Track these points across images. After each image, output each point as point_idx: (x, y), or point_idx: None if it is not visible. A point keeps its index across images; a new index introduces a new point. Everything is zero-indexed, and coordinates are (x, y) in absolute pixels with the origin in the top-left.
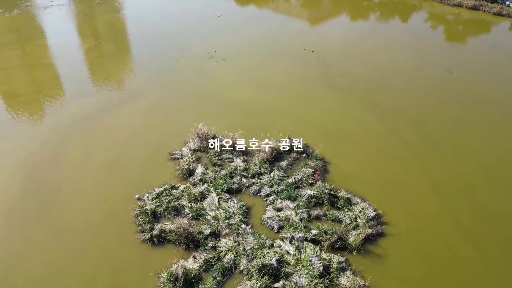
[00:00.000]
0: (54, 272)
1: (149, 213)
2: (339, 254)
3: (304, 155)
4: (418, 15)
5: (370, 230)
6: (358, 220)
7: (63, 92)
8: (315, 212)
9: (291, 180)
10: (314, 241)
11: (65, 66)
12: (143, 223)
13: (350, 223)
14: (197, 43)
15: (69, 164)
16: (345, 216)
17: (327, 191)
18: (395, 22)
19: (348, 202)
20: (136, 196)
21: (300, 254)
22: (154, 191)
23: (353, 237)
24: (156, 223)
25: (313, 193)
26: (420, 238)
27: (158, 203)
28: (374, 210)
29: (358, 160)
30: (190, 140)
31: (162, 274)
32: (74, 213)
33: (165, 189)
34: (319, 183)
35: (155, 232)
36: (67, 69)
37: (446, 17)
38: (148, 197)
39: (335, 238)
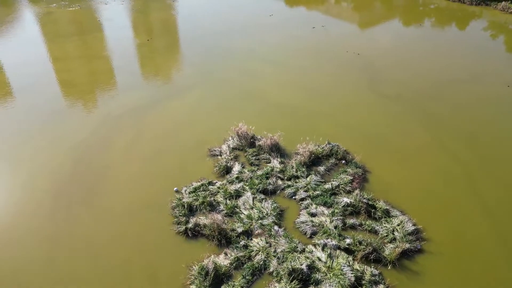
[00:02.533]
0: (93, 251)
1: (186, 207)
2: (372, 267)
3: (343, 161)
4: (477, 23)
5: (408, 245)
6: (396, 233)
7: (115, 84)
8: (350, 220)
9: (328, 186)
10: (348, 251)
11: (119, 59)
12: (179, 215)
13: (386, 236)
14: (245, 42)
15: (116, 152)
16: (382, 227)
17: (364, 200)
18: (451, 29)
19: (386, 213)
20: (175, 188)
21: (332, 262)
22: (192, 185)
23: (389, 250)
24: (191, 217)
25: (350, 201)
26: (462, 259)
27: (194, 197)
28: (414, 225)
29: (401, 171)
30: (230, 138)
31: (193, 267)
32: (116, 199)
33: (202, 184)
34: (357, 191)
35: (190, 225)
36: (121, 62)
37: (508, 27)
38: (186, 191)
39: (369, 249)
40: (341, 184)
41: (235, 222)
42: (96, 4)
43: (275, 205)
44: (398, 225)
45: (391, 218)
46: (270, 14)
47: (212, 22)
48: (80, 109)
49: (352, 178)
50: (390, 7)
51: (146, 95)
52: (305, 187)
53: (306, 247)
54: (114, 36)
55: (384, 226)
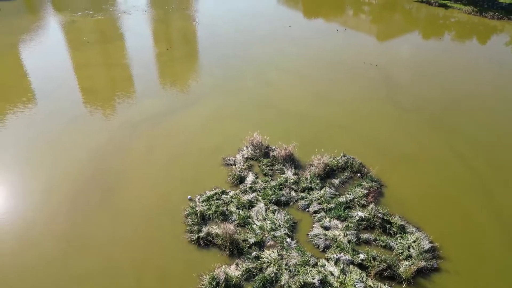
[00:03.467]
0: (107, 254)
1: (199, 215)
2: (387, 284)
3: (358, 174)
4: (499, 37)
5: (423, 263)
6: (411, 250)
7: (134, 91)
8: (365, 235)
9: (342, 199)
10: (361, 266)
11: (139, 67)
12: (192, 224)
13: (402, 253)
14: (263, 53)
15: (133, 158)
16: (397, 244)
17: (380, 215)
18: (472, 43)
19: (402, 229)
20: (188, 196)
21: (345, 278)
22: (206, 193)
23: (404, 267)
24: (204, 226)
25: (365, 216)
26: (480, 280)
27: (208, 206)
28: (430, 242)
29: (418, 186)
30: (244, 148)
31: (204, 276)
32: (132, 204)
33: (215, 193)
34: (372, 205)
35: (202, 234)
36: (140, 70)
37: None
38: (199, 199)
39: (384, 265)
40: (356, 198)
41: (248, 232)
42: (119, 14)
43: (288, 216)
44: (414, 241)
45: (406, 234)
46: (289, 25)
47: (231, 32)
48: (99, 116)
49: (367, 192)
50: (410, 19)
51: (164, 103)
52: (319, 199)
53: (319, 261)
54: (135, 45)
55: (400, 242)
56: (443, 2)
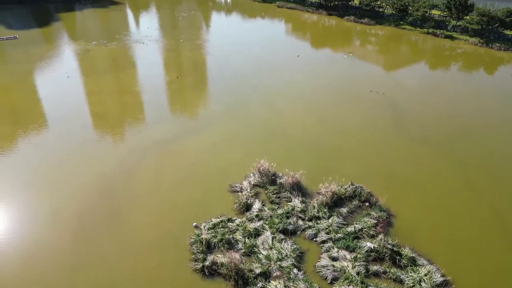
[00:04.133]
0: (111, 282)
1: (204, 243)
2: None
3: (367, 204)
4: (506, 68)
5: None
6: (423, 284)
7: (144, 118)
8: (374, 267)
9: (350, 229)
10: None
11: (149, 94)
12: (197, 252)
13: (413, 286)
14: (271, 81)
15: (140, 182)
16: (407, 277)
17: (389, 246)
18: (479, 73)
19: (413, 261)
20: (194, 224)
21: None
22: (211, 221)
23: None
24: (209, 254)
25: (374, 247)
26: None
27: (213, 234)
28: (442, 276)
29: (428, 216)
30: (251, 175)
31: None
32: (137, 227)
33: (221, 221)
34: (381, 236)
35: (207, 263)
36: (150, 97)
37: None
38: (204, 226)
39: None
40: (365, 228)
41: (253, 262)
42: (132, 43)
43: (295, 246)
44: (425, 275)
45: (417, 267)
46: (297, 55)
47: (240, 61)
48: (108, 141)
49: (376, 221)
50: (416, 50)
51: (172, 129)
52: (326, 229)
53: None
54: (146, 73)
55: (410, 276)
56: (449, 33)
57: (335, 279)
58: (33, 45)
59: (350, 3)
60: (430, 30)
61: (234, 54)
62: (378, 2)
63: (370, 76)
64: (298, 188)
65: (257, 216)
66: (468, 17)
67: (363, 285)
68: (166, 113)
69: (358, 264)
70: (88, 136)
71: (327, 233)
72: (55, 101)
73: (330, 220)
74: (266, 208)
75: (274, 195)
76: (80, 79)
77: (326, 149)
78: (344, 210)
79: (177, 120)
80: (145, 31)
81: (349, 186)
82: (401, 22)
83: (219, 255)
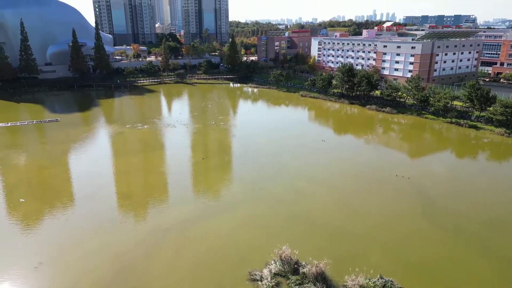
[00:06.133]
0: None
1: None
2: None
3: None
4: None
5: None
6: None
7: (167, 198)
8: None
9: None
10: None
11: (175, 175)
12: None
13: None
14: (294, 164)
15: (158, 264)
16: None
17: None
18: (509, 163)
19: None
20: None
21: None
22: None
23: None
24: None
25: None
26: None
27: None
28: None
29: None
30: (272, 262)
31: None
32: None
33: None
34: None
35: None
36: (175, 178)
37: None
38: None
39: None
40: None
41: None
42: (164, 126)
43: None
44: None
45: None
46: (322, 139)
47: (265, 144)
48: (130, 221)
49: None
50: (440, 139)
51: (194, 210)
52: None
53: None
54: (173, 154)
55: None
56: (474, 123)
57: None
58: (72, 127)
59: (371, 93)
60: (454, 120)
61: (259, 138)
62: (399, 93)
63: (394, 162)
64: (322, 280)
65: None
66: (491, 108)
67: None
68: (189, 194)
69: None
70: (111, 216)
71: None
72: (84, 180)
73: None
74: None
75: (297, 286)
76: (110, 159)
77: (351, 236)
78: None
79: (199, 201)
80: (176, 116)
81: (378, 279)
82: (423, 112)
83: None
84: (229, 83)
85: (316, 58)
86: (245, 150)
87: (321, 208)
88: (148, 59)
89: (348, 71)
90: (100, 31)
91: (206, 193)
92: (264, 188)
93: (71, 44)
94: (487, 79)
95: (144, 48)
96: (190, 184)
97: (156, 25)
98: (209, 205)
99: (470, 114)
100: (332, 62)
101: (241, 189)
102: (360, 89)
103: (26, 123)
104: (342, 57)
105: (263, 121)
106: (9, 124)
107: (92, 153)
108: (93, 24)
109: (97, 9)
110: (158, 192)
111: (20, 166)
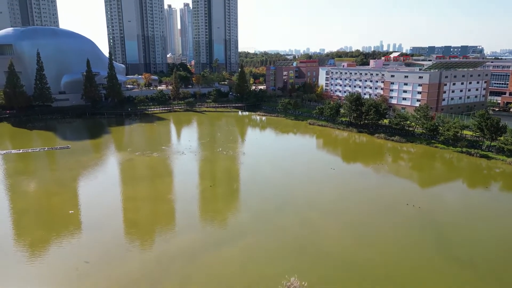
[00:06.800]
0: None
1: None
2: None
3: None
4: None
5: None
6: None
7: (174, 226)
8: None
9: None
10: None
11: (182, 202)
12: None
13: None
14: (302, 193)
15: None
16: None
17: None
18: None
19: None
20: None
21: None
22: None
23: None
24: None
25: None
26: None
27: None
28: None
29: None
30: None
31: None
32: None
33: None
34: None
35: None
36: (183, 205)
37: None
38: None
39: None
40: None
41: None
42: (173, 154)
43: None
44: None
45: None
46: (332, 167)
47: (273, 172)
48: (136, 250)
49: None
50: (451, 168)
51: (201, 239)
52: None
53: None
54: (181, 181)
55: None
56: (485, 153)
57: None
58: (82, 154)
59: (379, 122)
60: (464, 149)
61: (267, 166)
62: (408, 122)
63: (405, 191)
64: None
65: None
66: (502, 138)
67: None
68: (196, 222)
69: None
70: (117, 245)
71: None
72: (92, 207)
73: None
74: None
75: None
76: (118, 186)
77: (361, 269)
78: None
79: (206, 230)
80: (186, 143)
81: None
82: (432, 141)
83: None
84: (238, 111)
85: (324, 87)
86: (253, 177)
87: (330, 238)
88: (159, 88)
89: (356, 100)
90: (113, 61)
91: (213, 221)
92: (273, 217)
93: (85, 73)
94: (497, 109)
95: (155, 77)
96: (197, 212)
97: (168, 55)
98: (216, 234)
99: (481, 143)
100: (340, 91)
101: (249, 217)
102: (368, 118)
103: (37, 150)
104: (350, 86)
105: (271, 149)
106: (21, 151)
107: (101, 180)
108: (107, 54)
109: (111, 40)
110: (165, 220)
111: (29, 193)
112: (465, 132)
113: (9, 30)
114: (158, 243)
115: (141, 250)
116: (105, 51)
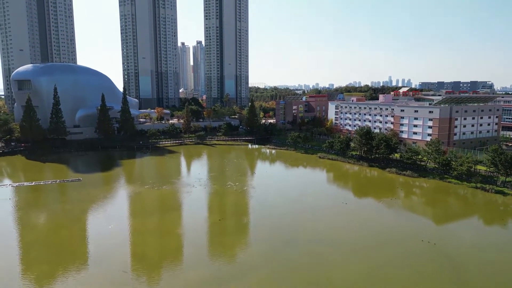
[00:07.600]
0: None
1: None
2: None
3: None
4: None
5: None
6: None
7: (181, 261)
8: None
9: None
10: None
11: (190, 236)
12: None
13: None
14: (313, 227)
15: None
16: None
17: None
18: None
19: None
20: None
21: None
22: None
23: None
24: None
25: None
26: None
27: None
28: None
29: None
30: None
31: None
32: None
33: None
34: None
35: None
36: (191, 240)
37: None
38: None
39: None
40: None
41: None
42: (182, 187)
43: None
44: None
45: None
46: (344, 202)
47: (283, 206)
48: (144, 285)
49: None
50: (466, 204)
51: (208, 275)
52: None
53: None
54: (190, 215)
55: None
56: (500, 189)
57: None
58: (92, 187)
59: (390, 156)
60: (479, 185)
61: (276, 199)
62: (419, 156)
63: (419, 227)
64: None
65: None
66: None
67: None
68: (204, 257)
69: None
70: (123, 281)
71: None
72: (100, 240)
73: None
74: None
75: None
76: (127, 219)
77: None
78: None
79: (214, 265)
80: (196, 176)
81: None
82: (445, 176)
83: None
84: (248, 145)
85: (334, 121)
86: (262, 212)
87: (343, 274)
88: (170, 121)
89: (366, 134)
90: (127, 96)
91: (221, 256)
92: (282, 252)
93: (99, 107)
94: (510, 144)
95: (167, 111)
96: (205, 247)
97: (180, 90)
98: (225, 269)
99: (495, 179)
100: (350, 125)
101: (258, 253)
102: (379, 152)
103: (49, 182)
104: (359, 120)
105: (281, 182)
106: (33, 183)
107: (110, 213)
108: (121, 88)
109: (126, 76)
110: (173, 254)
111: (38, 225)
112: (478, 167)
113: (28, 66)
114: (166, 279)
115: (147, 286)
116: (120, 85)
